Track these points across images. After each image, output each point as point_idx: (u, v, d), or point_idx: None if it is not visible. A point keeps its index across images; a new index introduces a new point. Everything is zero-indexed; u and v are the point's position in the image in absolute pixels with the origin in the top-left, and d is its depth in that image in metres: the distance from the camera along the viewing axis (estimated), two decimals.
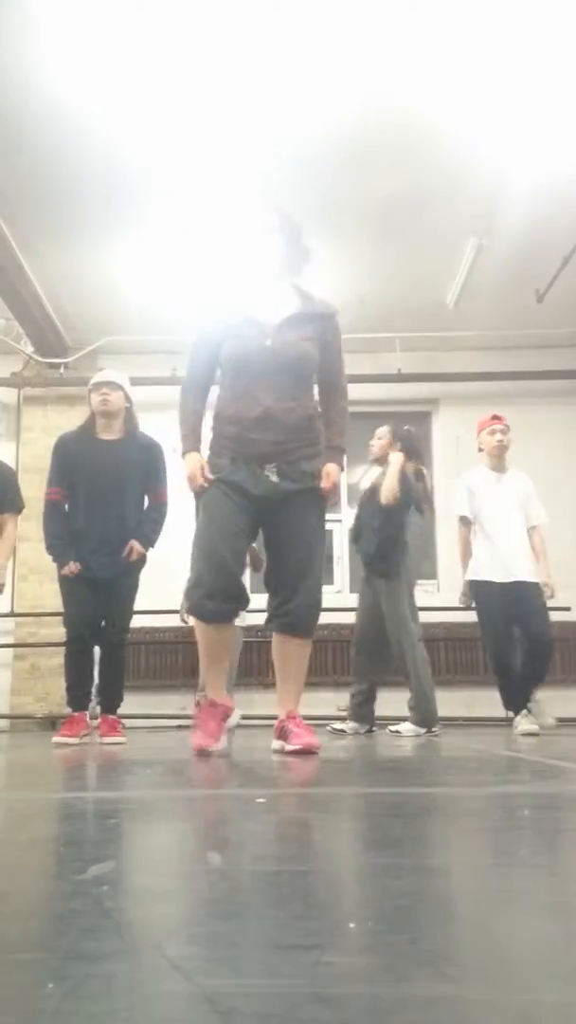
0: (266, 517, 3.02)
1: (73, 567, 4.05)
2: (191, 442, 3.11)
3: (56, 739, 4.01)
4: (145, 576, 6.70)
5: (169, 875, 0.96)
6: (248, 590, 3.18)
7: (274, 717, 3.08)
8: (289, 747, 2.86)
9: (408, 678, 5.01)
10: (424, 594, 7.64)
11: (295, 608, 2.98)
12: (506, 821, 1.38)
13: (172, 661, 7.16)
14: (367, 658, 5.15)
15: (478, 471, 5.25)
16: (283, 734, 2.94)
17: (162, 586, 6.50)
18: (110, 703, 4.29)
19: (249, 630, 7.18)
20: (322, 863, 1.04)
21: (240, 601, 3.01)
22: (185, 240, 5.95)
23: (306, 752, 2.79)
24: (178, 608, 6.51)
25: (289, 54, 4.46)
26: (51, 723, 7.12)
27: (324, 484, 3.02)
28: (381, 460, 5.22)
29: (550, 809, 1.52)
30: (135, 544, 4.12)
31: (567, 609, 6.32)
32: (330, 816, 1.47)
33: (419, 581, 7.77)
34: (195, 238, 5.95)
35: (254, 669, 6.93)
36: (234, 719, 3.28)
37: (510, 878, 0.93)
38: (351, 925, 0.68)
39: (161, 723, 6.66)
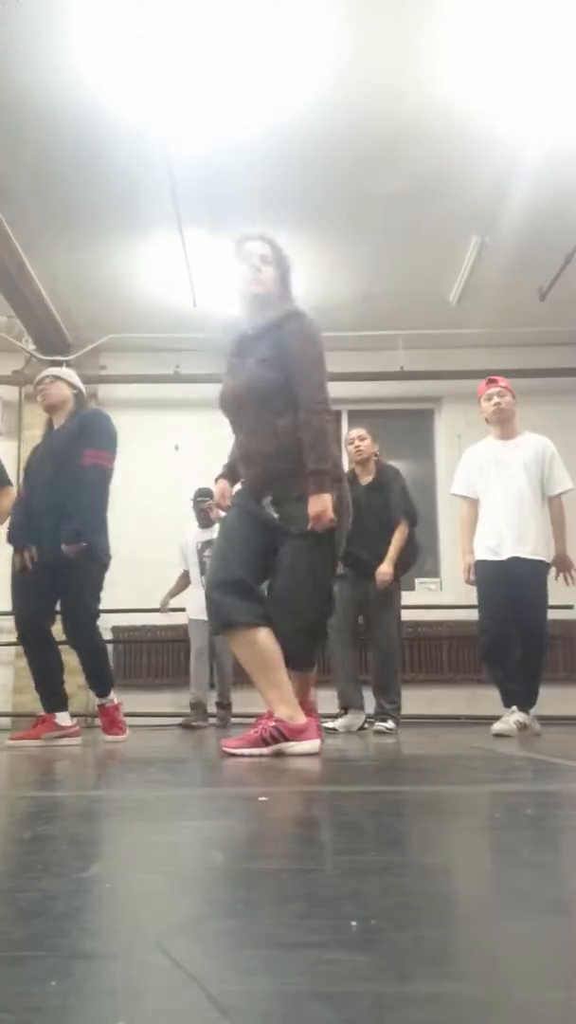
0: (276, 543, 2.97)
1: (27, 555, 3.85)
2: (224, 469, 3.21)
3: (9, 741, 3.86)
4: (146, 575, 6.75)
5: (171, 874, 0.97)
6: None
7: (255, 715, 3.11)
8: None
9: (388, 672, 5.00)
10: (427, 592, 7.65)
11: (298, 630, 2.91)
12: (507, 819, 1.38)
13: (173, 660, 7.16)
14: (352, 653, 5.09)
15: (484, 442, 4.78)
16: None
17: (163, 585, 6.52)
18: (99, 689, 4.24)
19: None
20: (323, 862, 1.04)
21: (252, 603, 2.86)
22: (186, 239, 5.95)
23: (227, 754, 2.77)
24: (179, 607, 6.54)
25: (291, 51, 4.45)
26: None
27: (311, 525, 2.83)
28: (366, 462, 5.12)
29: (551, 807, 1.52)
30: (64, 548, 3.79)
31: (569, 607, 6.32)
32: (331, 815, 1.48)
33: (422, 579, 7.80)
34: (197, 237, 5.95)
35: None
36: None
37: (511, 876, 0.93)
38: (353, 923, 0.68)
39: (162, 722, 6.66)
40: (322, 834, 1.30)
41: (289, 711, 2.78)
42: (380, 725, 4.85)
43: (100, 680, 4.21)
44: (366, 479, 5.13)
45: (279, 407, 2.92)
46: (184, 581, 6.46)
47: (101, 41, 4.35)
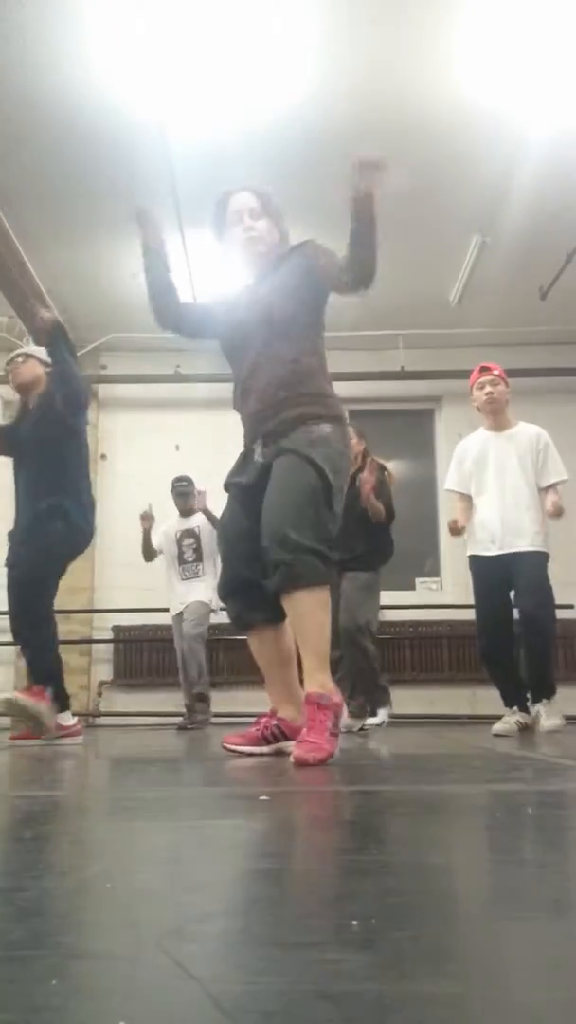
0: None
1: None
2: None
3: (9, 740, 3.80)
4: (146, 575, 6.75)
5: (171, 873, 0.97)
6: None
7: (256, 714, 2.95)
8: (292, 758, 2.36)
9: (369, 667, 4.92)
10: (427, 592, 7.65)
11: (270, 563, 2.52)
12: (509, 819, 1.38)
13: (173, 659, 7.15)
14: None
15: (476, 435, 4.62)
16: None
17: (164, 585, 6.52)
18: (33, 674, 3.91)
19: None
20: (324, 861, 1.04)
21: (261, 602, 2.69)
22: (186, 238, 5.95)
23: (299, 765, 2.26)
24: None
25: (292, 51, 4.45)
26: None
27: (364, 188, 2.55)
28: (354, 461, 5.01)
29: (553, 807, 1.52)
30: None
31: (570, 607, 6.32)
32: (333, 814, 1.48)
33: (422, 579, 7.80)
34: (197, 236, 5.94)
35: (256, 666, 6.93)
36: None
37: (512, 876, 0.93)
38: (354, 923, 0.68)
39: (163, 721, 6.66)
40: (323, 833, 1.30)
41: (293, 712, 2.74)
42: (369, 721, 4.81)
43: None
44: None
45: (294, 333, 2.70)
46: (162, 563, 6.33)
47: (102, 41, 4.35)
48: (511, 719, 4.28)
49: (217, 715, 6.15)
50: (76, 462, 3.86)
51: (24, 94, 4.74)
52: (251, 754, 2.69)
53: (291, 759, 2.34)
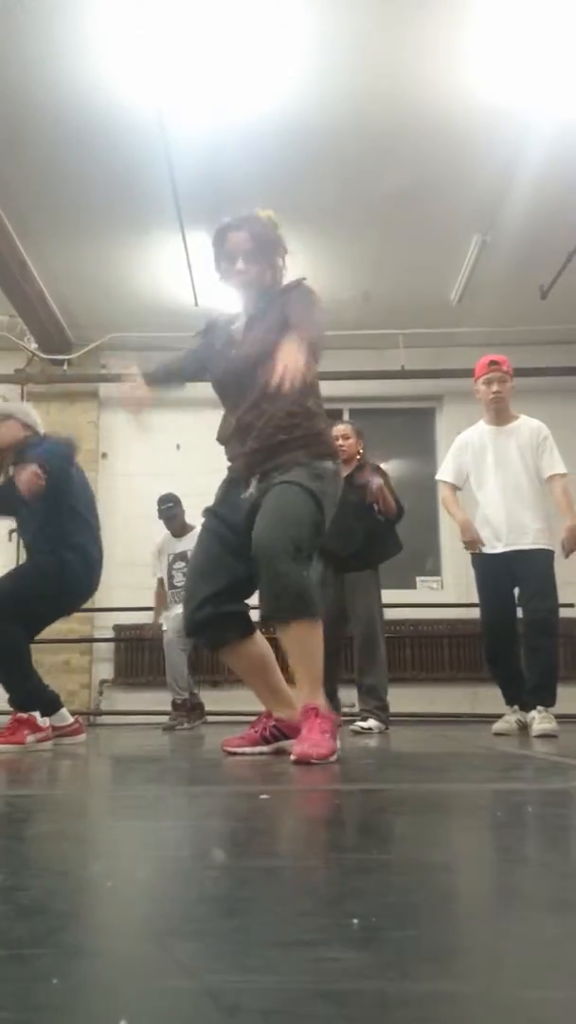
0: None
1: None
2: (149, 372, 3.00)
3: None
4: (146, 574, 6.74)
5: (172, 872, 0.97)
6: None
7: (256, 713, 2.95)
8: (293, 756, 2.40)
9: (373, 668, 4.86)
10: (428, 591, 7.65)
11: (266, 589, 2.55)
12: (509, 818, 1.38)
13: None
14: (333, 656, 4.51)
15: (475, 428, 4.55)
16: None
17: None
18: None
19: None
20: (325, 859, 1.04)
21: (230, 625, 2.76)
22: (187, 238, 5.95)
23: (302, 763, 2.29)
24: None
25: (292, 51, 4.45)
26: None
27: (281, 366, 2.43)
28: (348, 461, 4.79)
29: (554, 806, 1.52)
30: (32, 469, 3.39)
31: (570, 606, 6.32)
32: (333, 812, 1.48)
33: (423, 578, 7.80)
34: (198, 236, 5.94)
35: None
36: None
37: (513, 874, 0.93)
38: (354, 921, 0.68)
39: (163, 720, 6.65)
40: (323, 832, 1.30)
41: (288, 711, 2.76)
42: (358, 724, 4.65)
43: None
44: (344, 473, 5.07)
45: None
46: (162, 590, 6.35)
47: (103, 40, 4.35)
48: (511, 718, 4.27)
49: (217, 714, 6.15)
50: (70, 515, 3.68)
51: (25, 94, 4.74)
52: (252, 755, 2.71)
53: (292, 757, 2.36)
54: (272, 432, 2.70)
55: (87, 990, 0.54)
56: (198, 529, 3.13)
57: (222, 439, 2.89)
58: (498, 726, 4.23)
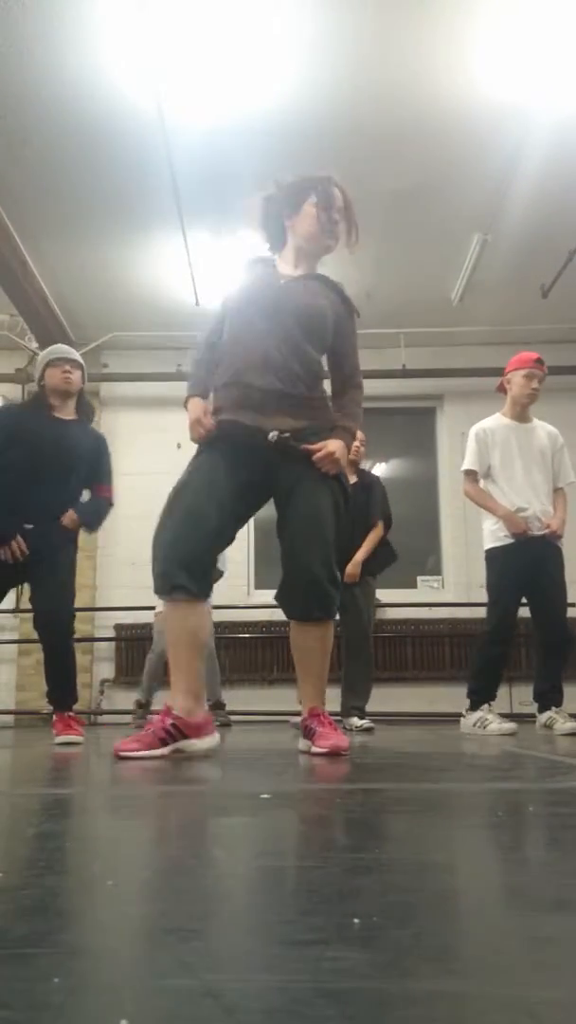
0: (269, 487, 2.76)
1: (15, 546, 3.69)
2: (197, 389, 2.79)
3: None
4: (147, 573, 6.71)
5: (174, 870, 0.97)
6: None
7: (277, 713, 2.95)
8: (316, 749, 2.56)
9: (360, 668, 4.92)
10: (429, 590, 7.65)
11: (311, 590, 2.65)
12: (510, 817, 1.38)
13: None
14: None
15: (495, 420, 4.56)
16: (309, 733, 2.66)
17: None
18: (62, 702, 3.86)
19: (253, 626, 7.18)
20: (325, 859, 1.04)
21: (204, 579, 2.66)
22: (188, 237, 5.95)
23: (334, 755, 2.50)
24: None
25: (293, 51, 4.45)
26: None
27: (320, 459, 2.66)
28: (354, 463, 4.95)
29: (555, 805, 1.52)
30: (73, 514, 3.79)
31: (571, 606, 6.31)
32: (334, 812, 1.48)
33: (424, 577, 7.80)
34: (199, 235, 5.94)
35: (258, 665, 6.94)
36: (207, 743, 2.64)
37: (514, 874, 0.94)
38: (355, 920, 0.68)
39: None
40: (324, 831, 1.30)
41: (192, 704, 2.58)
42: (356, 723, 4.74)
43: (69, 689, 3.93)
44: (351, 480, 5.11)
45: (315, 341, 2.82)
46: None
47: (103, 39, 4.35)
48: (491, 715, 4.28)
49: (218, 714, 6.14)
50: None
51: (25, 93, 4.74)
52: (148, 758, 2.44)
53: (317, 749, 2.54)
54: (293, 381, 2.72)
55: (87, 989, 0.54)
56: None
57: (234, 362, 2.74)
58: (506, 726, 4.16)
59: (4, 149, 5.21)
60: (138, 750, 2.46)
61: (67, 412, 3.96)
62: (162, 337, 7.35)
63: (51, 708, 3.93)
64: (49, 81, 4.66)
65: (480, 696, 4.38)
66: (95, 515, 3.96)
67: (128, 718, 7.06)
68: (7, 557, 3.69)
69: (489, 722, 4.22)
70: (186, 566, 2.59)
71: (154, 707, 6.04)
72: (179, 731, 2.54)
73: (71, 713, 3.86)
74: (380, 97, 4.82)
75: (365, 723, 4.75)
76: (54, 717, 3.88)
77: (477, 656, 4.52)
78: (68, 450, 3.84)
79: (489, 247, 6.21)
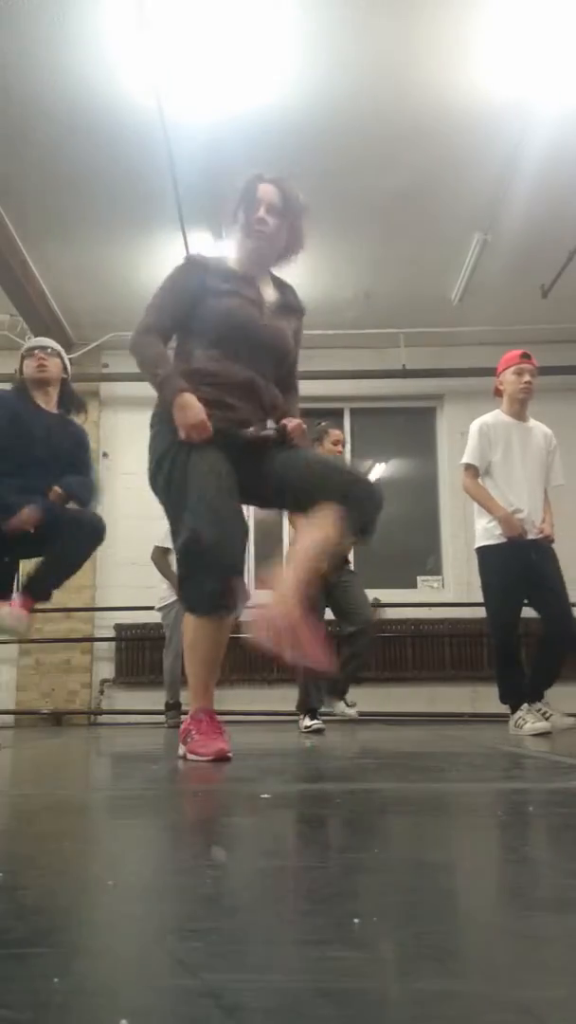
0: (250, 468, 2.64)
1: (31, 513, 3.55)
2: (178, 380, 2.58)
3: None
4: (147, 573, 6.73)
5: (174, 870, 0.97)
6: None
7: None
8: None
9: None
10: (429, 590, 7.65)
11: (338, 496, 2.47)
12: (511, 817, 1.38)
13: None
14: None
15: (494, 417, 4.51)
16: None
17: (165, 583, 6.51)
18: (43, 589, 3.66)
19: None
20: (325, 859, 1.04)
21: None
22: (188, 237, 5.95)
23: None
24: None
25: (293, 50, 4.45)
26: (56, 719, 7.14)
27: (293, 426, 2.69)
28: None
29: (555, 805, 1.52)
30: (57, 488, 3.63)
31: (571, 605, 6.31)
32: (334, 812, 1.48)
33: (424, 577, 7.80)
34: (199, 235, 5.94)
35: (258, 665, 6.93)
36: None
37: (515, 874, 0.94)
38: (355, 921, 0.68)
39: (164, 719, 6.65)
40: (324, 831, 1.30)
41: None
42: (346, 710, 4.78)
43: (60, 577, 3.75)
44: None
45: (279, 376, 2.83)
46: (165, 560, 6.16)
47: (104, 39, 4.35)
48: (535, 715, 4.19)
49: (222, 714, 6.11)
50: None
51: (26, 92, 4.74)
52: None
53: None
54: (267, 411, 2.76)
55: (88, 989, 0.54)
56: None
57: (218, 377, 2.66)
58: (540, 725, 4.08)
59: (4, 148, 5.21)
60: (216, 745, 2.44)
61: (49, 404, 3.86)
62: None
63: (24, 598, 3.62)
64: (49, 81, 4.66)
65: (512, 699, 4.28)
66: (82, 486, 3.74)
67: (128, 718, 7.07)
68: (18, 526, 3.52)
69: (525, 721, 4.14)
70: (232, 581, 2.46)
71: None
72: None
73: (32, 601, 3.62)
74: (380, 97, 4.82)
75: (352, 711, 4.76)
76: (14, 596, 3.64)
77: (495, 663, 4.44)
78: (55, 443, 3.74)
79: (489, 247, 6.21)
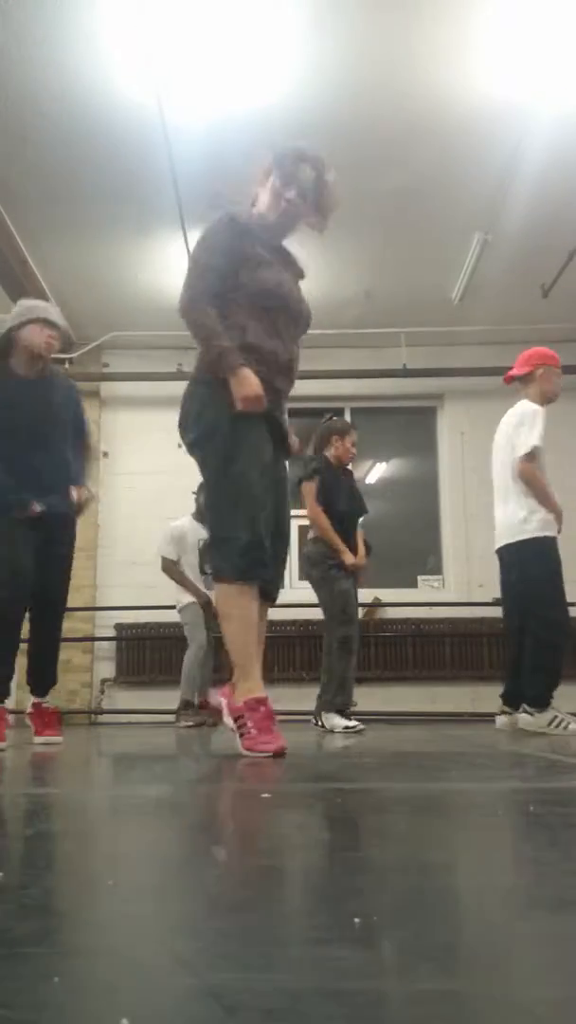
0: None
1: (35, 508, 3.48)
2: (238, 355, 2.63)
3: None
4: (149, 573, 6.74)
5: (173, 870, 0.97)
6: None
7: (277, 712, 2.80)
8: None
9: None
10: (430, 590, 7.65)
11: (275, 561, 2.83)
12: (512, 817, 1.38)
13: (176, 657, 7.16)
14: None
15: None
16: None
17: (167, 583, 6.51)
18: (42, 683, 3.79)
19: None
20: (326, 858, 1.04)
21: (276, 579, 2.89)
22: (189, 237, 5.94)
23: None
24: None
25: (293, 50, 4.45)
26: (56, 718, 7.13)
27: (295, 449, 2.99)
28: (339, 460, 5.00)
29: (556, 805, 1.52)
30: (84, 490, 3.68)
31: (572, 605, 6.30)
32: (335, 811, 1.48)
33: (424, 577, 7.80)
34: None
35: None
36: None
37: (515, 874, 0.93)
38: (355, 920, 0.68)
39: (165, 719, 6.66)
40: (324, 831, 1.30)
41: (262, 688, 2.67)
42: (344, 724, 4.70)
43: (53, 670, 3.91)
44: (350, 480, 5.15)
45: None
46: (174, 567, 6.14)
47: (104, 38, 4.35)
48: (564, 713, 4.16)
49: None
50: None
51: (26, 92, 4.74)
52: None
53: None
54: (289, 385, 2.89)
55: (88, 989, 0.54)
56: None
57: (267, 356, 2.74)
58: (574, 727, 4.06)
59: (4, 148, 5.21)
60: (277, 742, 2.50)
61: (36, 372, 3.62)
62: (162, 337, 7.34)
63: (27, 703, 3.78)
64: (49, 80, 4.66)
65: (550, 692, 4.18)
66: (86, 475, 3.85)
67: (128, 718, 7.07)
68: (27, 514, 3.46)
69: (567, 722, 4.07)
70: (265, 551, 2.66)
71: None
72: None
73: (48, 704, 3.78)
74: (380, 97, 4.82)
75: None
76: (30, 709, 3.77)
77: (548, 652, 4.20)
78: (54, 409, 3.61)
79: (489, 247, 6.21)
